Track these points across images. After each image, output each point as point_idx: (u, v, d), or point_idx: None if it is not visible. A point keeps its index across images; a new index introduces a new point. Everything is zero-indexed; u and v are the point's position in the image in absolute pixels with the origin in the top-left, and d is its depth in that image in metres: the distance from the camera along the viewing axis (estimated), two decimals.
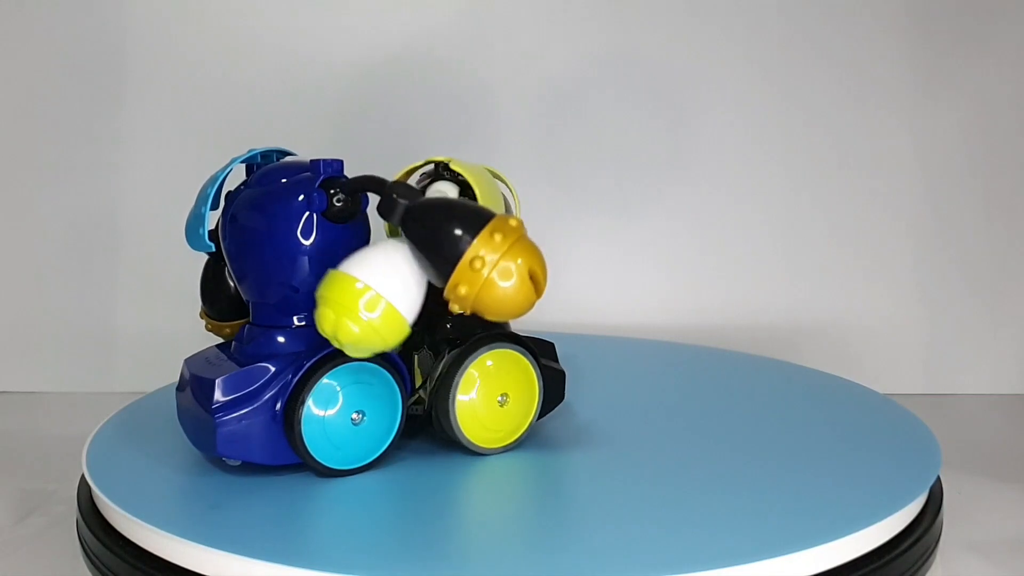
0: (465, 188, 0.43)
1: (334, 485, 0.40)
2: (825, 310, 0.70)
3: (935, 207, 0.70)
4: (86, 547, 0.40)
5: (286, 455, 0.40)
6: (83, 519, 0.40)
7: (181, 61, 0.68)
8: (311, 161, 0.40)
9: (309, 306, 0.40)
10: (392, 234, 0.43)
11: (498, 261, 0.36)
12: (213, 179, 0.41)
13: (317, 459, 0.40)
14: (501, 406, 0.43)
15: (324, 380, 0.39)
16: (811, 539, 0.35)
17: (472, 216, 0.37)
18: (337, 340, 0.38)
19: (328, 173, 0.40)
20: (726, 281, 0.71)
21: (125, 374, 0.68)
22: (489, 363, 0.43)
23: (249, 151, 0.42)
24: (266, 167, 0.41)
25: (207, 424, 0.39)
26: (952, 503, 0.44)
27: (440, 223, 0.37)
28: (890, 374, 0.69)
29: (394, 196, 0.38)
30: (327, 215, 0.39)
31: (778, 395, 0.53)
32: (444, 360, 0.42)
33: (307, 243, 0.39)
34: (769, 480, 0.41)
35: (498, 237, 0.36)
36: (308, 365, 0.39)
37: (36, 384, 0.68)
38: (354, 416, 0.40)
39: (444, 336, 0.43)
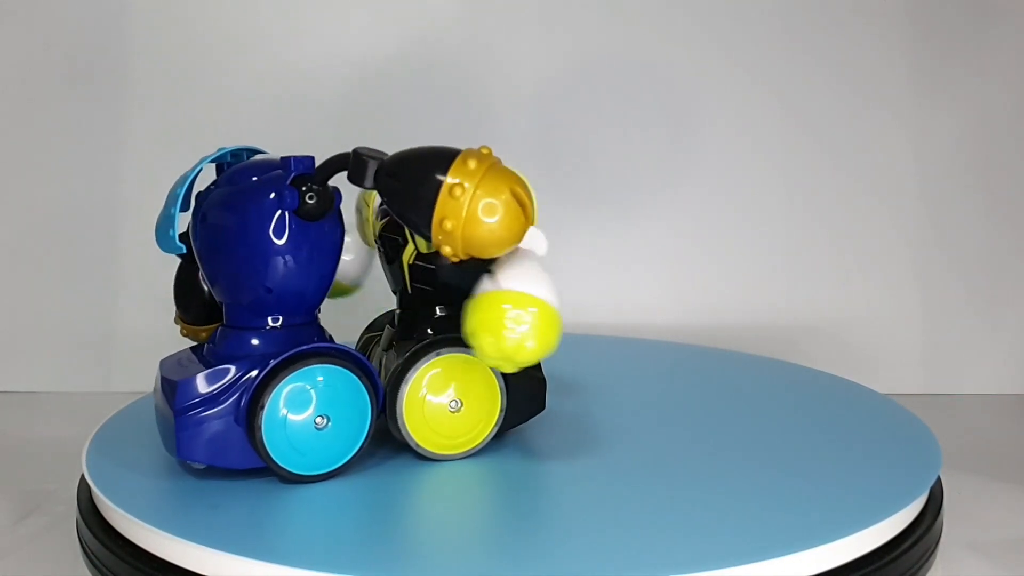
0: None
1: (334, 487, 0.40)
2: (825, 310, 0.70)
3: (935, 208, 0.70)
4: (86, 547, 0.40)
5: (251, 459, 0.39)
6: (83, 519, 0.40)
7: (179, 61, 0.68)
8: (282, 158, 0.40)
9: (282, 307, 0.40)
10: (366, 223, 0.43)
11: (477, 186, 0.35)
12: (183, 179, 0.40)
13: (279, 464, 0.39)
14: (453, 412, 0.42)
15: (286, 383, 0.39)
16: (811, 539, 0.35)
17: (441, 153, 0.37)
18: (515, 362, 0.37)
19: (299, 170, 0.39)
20: (726, 281, 0.71)
21: (125, 374, 0.68)
22: (438, 369, 0.42)
23: (219, 150, 0.41)
24: (236, 166, 0.40)
25: (170, 426, 0.38)
26: (952, 503, 0.44)
27: (412, 168, 0.36)
28: (890, 374, 0.69)
29: (362, 156, 0.37)
30: (299, 213, 0.39)
31: (778, 395, 0.53)
32: (397, 361, 0.41)
33: (279, 242, 0.38)
34: (769, 480, 0.41)
35: (472, 163, 0.36)
36: (271, 367, 0.39)
37: (36, 384, 0.68)
38: (318, 420, 0.39)
39: (409, 336, 0.43)
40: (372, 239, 0.44)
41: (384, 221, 0.43)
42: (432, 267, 0.42)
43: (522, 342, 0.36)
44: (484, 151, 0.36)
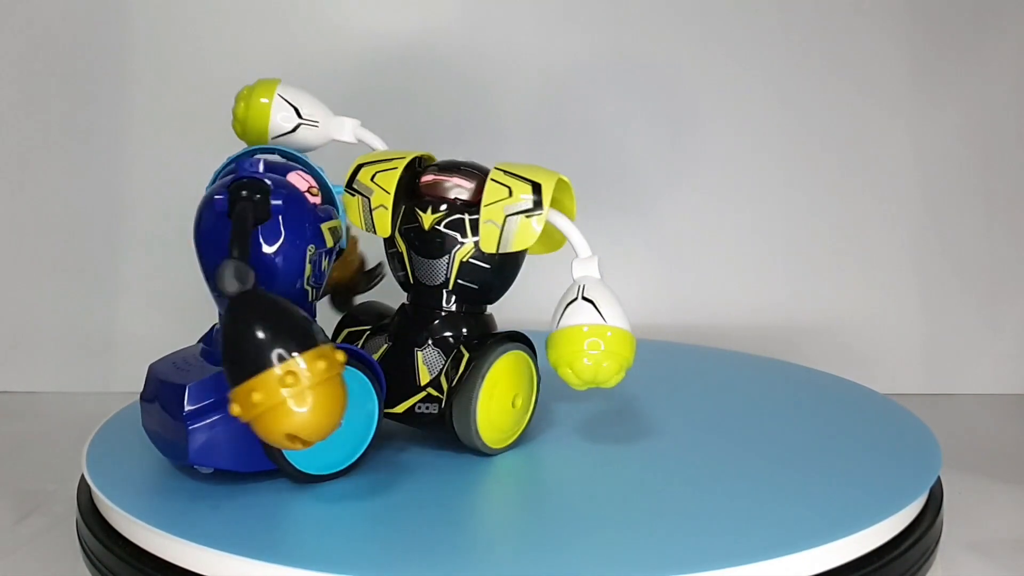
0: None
1: (335, 486, 0.40)
2: (825, 310, 0.70)
3: (935, 207, 0.70)
4: (86, 547, 0.40)
5: (260, 462, 0.39)
6: (83, 519, 0.40)
7: (183, 59, 0.68)
8: (236, 161, 0.39)
9: None
10: (381, 211, 0.42)
11: (310, 389, 0.33)
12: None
13: (294, 465, 0.39)
14: (514, 407, 0.43)
15: None
16: (811, 539, 0.35)
17: (300, 333, 0.34)
18: (609, 384, 0.40)
19: (242, 174, 0.38)
20: (726, 281, 0.71)
21: (125, 374, 0.67)
22: (505, 365, 0.42)
23: (244, 149, 0.42)
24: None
25: (177, 431, 0.38)
26: (952, 503, 0.44)
27: (267, 319, 0.33)
28: (890, 374, 0.69)
29: (220, 277, 0.34)
30: (230, 217, 0.37)
31: (778, 395, 0.53)
32: (465, 360, 0.42)
33: (218, 246, 0.37)
34: (769, 480, 0.41)
35: (321, 364, 0.33)
36: None
37: (36, 384, 0.68)
38: None
39: (449, 333, 0.42)
40: (386, 227, 0.42)
41: (439, 215, 0.42)
42: (487, 266, 0.42)
43: (614, 371, 0.40)
44: (339, 357, 0.34)
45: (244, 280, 0.34)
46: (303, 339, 0.33)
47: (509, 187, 0.41)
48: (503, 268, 0.43)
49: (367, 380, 0.40)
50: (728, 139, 0.70)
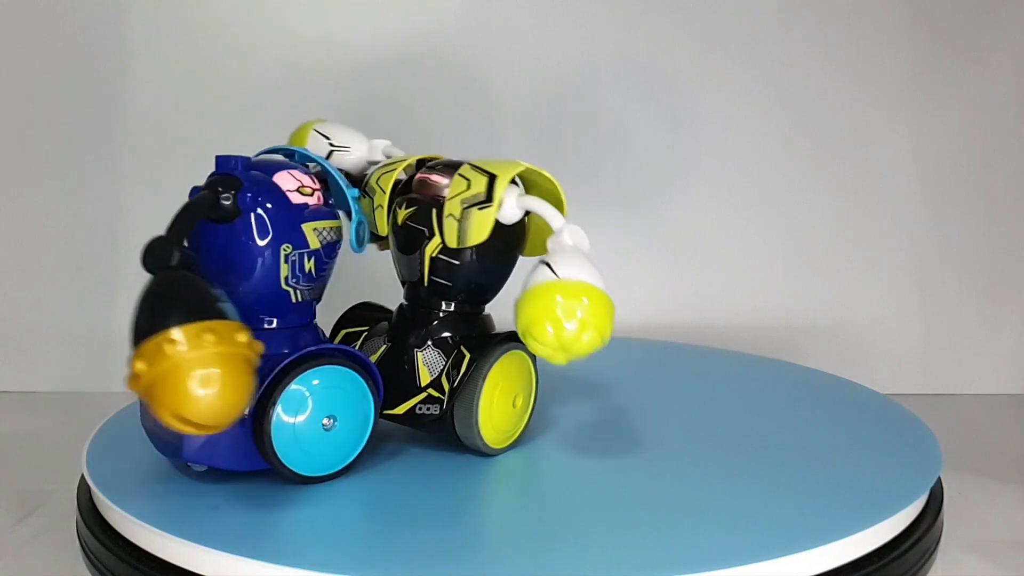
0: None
1: (334, 486, 0.40)
2: (825, 310, 0.70)
3: (934, 207, 0.70)
4: (86, 547, 0.40)
5: (254, 461, 0.39)
6: (83, 519, 0.40)
7: (181, 61, 0.68)
8: (221, 158, 0.39)
9: (265, 308, 0.39)
10: (380, 210, 0.43)
11: (194, 359, 0.31)
12: None
13: (288, 466, 0.39)
14: (514, 407, 0.43)
15: (293, 386, 0.38)
16: (811, 540, 0.35)
17: (195, 305, 0.33)
18: (571, 353, 0.36)
19: (219, 171, 0.38)
20: (726, 281, 0.71)
21: (125, 374, 0.67)
22: (506, 365, 0.43)
23: (265, 148, 0.42)
24: None
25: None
26: (952, 503, 0.44)
27: (167, 292, 0.33)
28: (890, 374, 0.69)
29: (143, 253, 0.34)
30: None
31: (778, 395, 0.53)
32: (466, 361, 0.42)
33: (199, 238, 0.38)
34: (769, 480, 0.41)
35: (209, 337, 0.32)
36: (277, 370, 0.38)
37: (36, 384, 0.68)
38: (325, 422, 0.39)
39: (447, 334, 0.43)
40: (384, 226, 0.43)
41: (410, 210, 0.42)
42: (456, 262, 0.42)
43: (579, 331, 0.35)
44: (241, 337, 0.33)
45: (163, 259, 0.34)
46: (194, 311, 0.32)
47: (469, 180, 0.41)
48: (478, 265, 0.42)
49: (362, 381, 0.40)
50: (728, 139, 0.70)
